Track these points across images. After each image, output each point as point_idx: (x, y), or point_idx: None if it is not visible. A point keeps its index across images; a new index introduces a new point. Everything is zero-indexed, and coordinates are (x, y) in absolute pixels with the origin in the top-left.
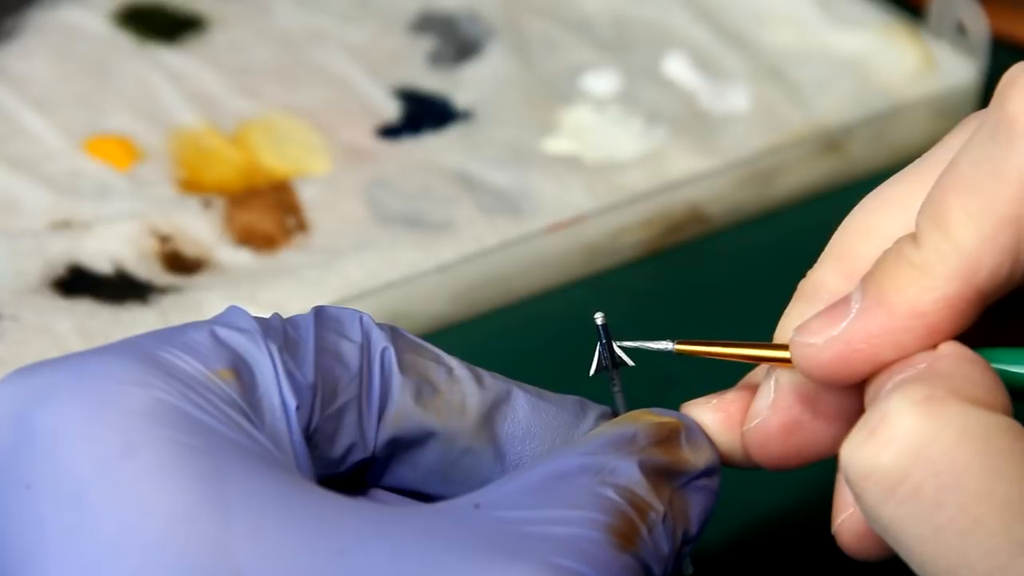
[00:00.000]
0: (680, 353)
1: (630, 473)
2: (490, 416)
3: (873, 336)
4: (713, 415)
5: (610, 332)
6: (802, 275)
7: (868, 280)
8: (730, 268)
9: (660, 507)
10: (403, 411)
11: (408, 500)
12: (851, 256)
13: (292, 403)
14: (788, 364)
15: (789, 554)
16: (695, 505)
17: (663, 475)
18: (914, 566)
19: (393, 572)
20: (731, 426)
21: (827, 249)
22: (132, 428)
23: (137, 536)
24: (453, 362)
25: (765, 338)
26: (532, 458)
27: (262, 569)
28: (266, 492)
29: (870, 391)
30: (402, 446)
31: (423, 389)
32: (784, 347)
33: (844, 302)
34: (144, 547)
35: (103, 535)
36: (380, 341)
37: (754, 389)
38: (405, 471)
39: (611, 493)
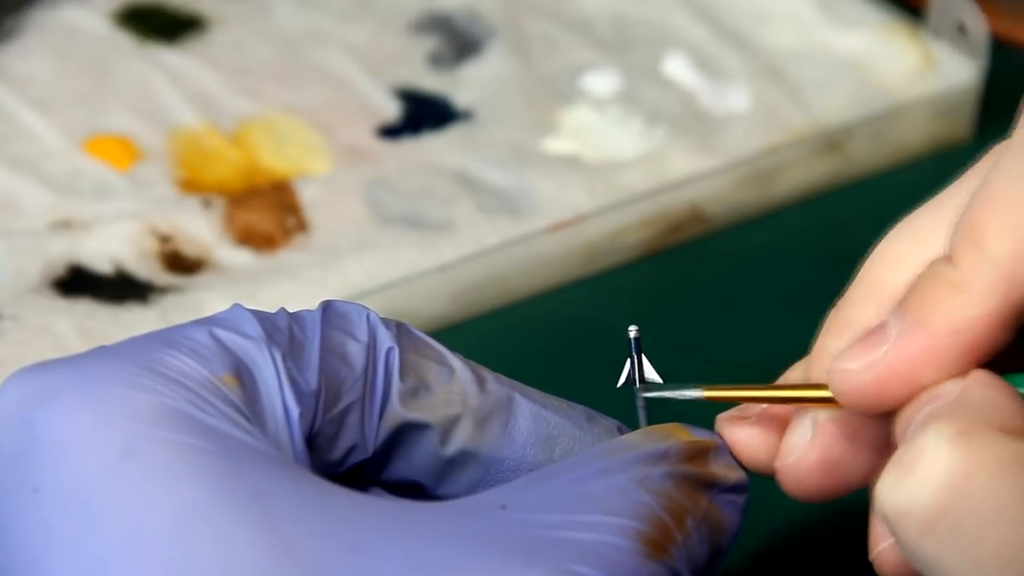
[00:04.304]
0: (710, 400)
1: (665, 480)
2: (488, 420)
3: (913, 358)
4: (749, 430)
5: (642, 346)
6: (802, 274)
7: (905, 304)
8: (730, 268)
9: (698, 512)
10: (398, 412)
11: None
12: (883, 287)
13: (295, 411)
14: (826, 404)
15: (806, 566)
16: (726, 517)
17: (698, 484)
18: None
19: (406, 572)
20: (766, 440)
21: (857, 281)
22: (137, 431)
23: (145, 536)
24: (457, 363)
25: (766, 337)
26: (532, 465)
27: (274, 566)
28: (277, 489)
29: (900, 423)
30: (397, 444)
31: (419, 390)
32: (819, 386)
33: (881, 328)
34: (152, 546)
35: (111, 537)
36: (385, 341)
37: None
38: (401, 468)
39: (647, 498)
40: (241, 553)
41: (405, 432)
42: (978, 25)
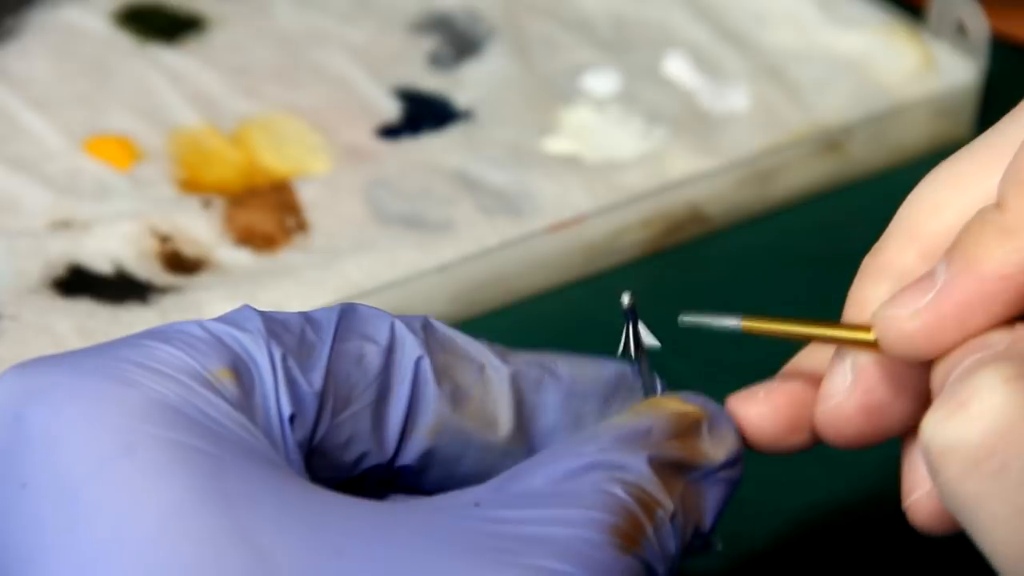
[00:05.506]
0: (747, 332)
1: (640, 469)
2: (523, 416)
3: (962, 303)
4: (760, 408)
5: (637, 314)
6: (802, 275)
7: (953, 250)
8: (730, 268)
9: (669, 505)
10: (441, 422)
11: (408, 498)
12: (921, 233)
13: (288, 411)
14: (867, 346)
15: (819, 553)
16: (710, 498)
17: (677, 469)
18: (985, 546)
19: (387, 573)
20: (777, 418)
21: (893, 226)
22: (129, 427)
23: (132, 533)
24: (485, 354)
25: (766, 338)
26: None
27: (257, 568)
28: (263, 491)
29: (940, 370)
30: (439, 457)
31: (456, 396)
32: (861, 328)
33: (929, 275)
34: (139, 543)
35: (98, 533)
36: (415, 349)
37: (802, 378)
38: (442, 478)
39: (619, 491)
40: (223, 557)
41: (447, 447)
42: (978, 25)
